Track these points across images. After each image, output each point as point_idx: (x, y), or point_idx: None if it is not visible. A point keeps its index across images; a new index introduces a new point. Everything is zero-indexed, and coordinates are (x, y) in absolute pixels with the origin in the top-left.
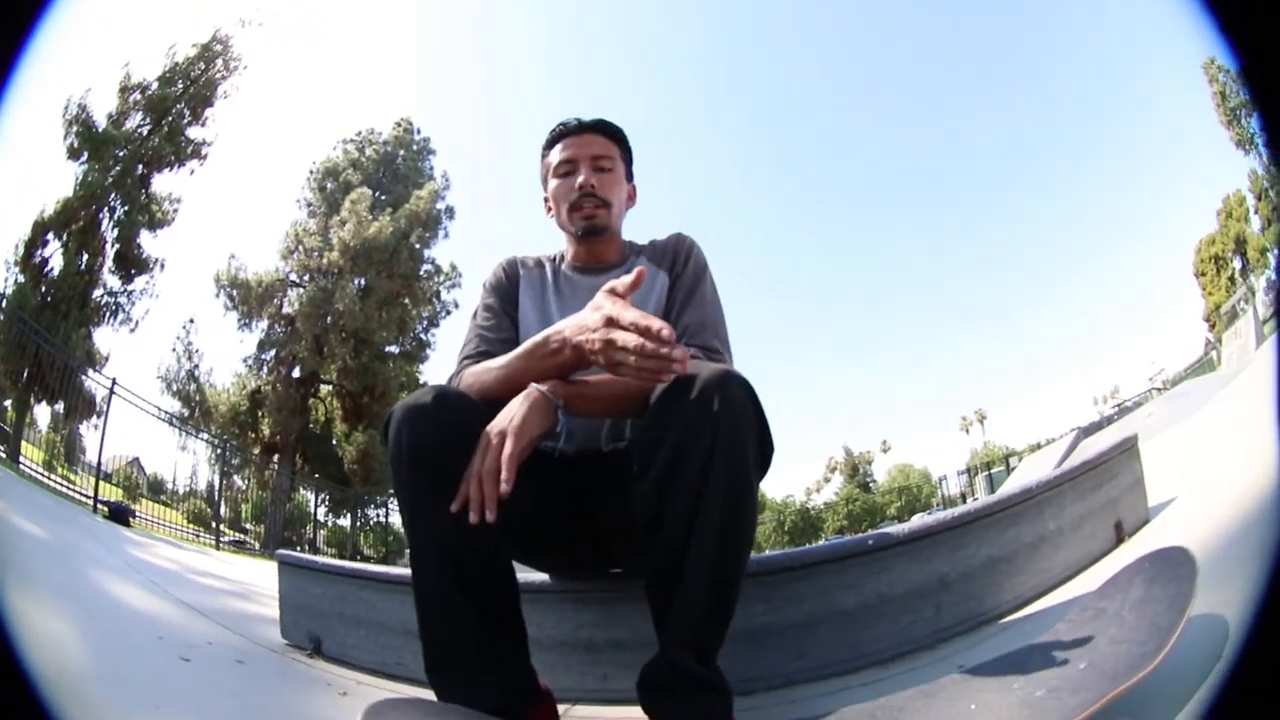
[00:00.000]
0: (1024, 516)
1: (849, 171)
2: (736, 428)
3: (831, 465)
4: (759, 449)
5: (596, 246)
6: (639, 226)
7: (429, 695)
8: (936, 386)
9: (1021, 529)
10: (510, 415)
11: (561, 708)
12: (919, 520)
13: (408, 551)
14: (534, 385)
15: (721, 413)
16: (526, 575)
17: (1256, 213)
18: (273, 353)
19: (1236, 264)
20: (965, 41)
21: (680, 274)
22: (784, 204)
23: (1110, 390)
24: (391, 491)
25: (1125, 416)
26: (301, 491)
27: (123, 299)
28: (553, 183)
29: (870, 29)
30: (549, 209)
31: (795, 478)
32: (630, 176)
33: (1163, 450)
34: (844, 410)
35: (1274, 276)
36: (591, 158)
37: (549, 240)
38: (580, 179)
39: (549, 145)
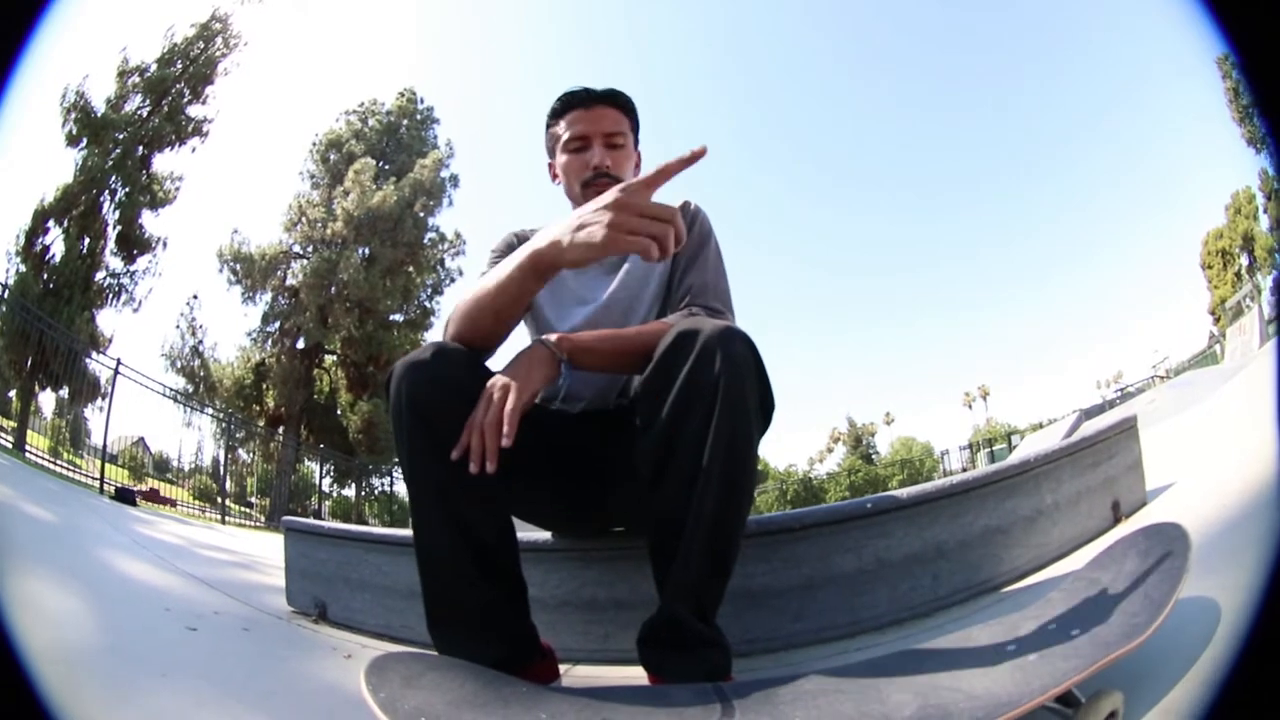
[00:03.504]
0: (1021, 489)
1: (863, 151)
2: (738, 382)
3: (835, 436)
4: (760, 403)
5: None
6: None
7: (432, 654)
8: (941, 361)
9: (1019, 501)
10: (514, 369)
11: (563, 667)
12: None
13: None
14: (538, 339)
15: (724, 367)
16: (529, 534)
17: (1265, 212)
18: (277, 325)
19: (1243, 260)
20: (989, 28)
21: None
22: (796, 178)
23: (1114, 375)
24: (396, 460)
25: (1128, 401)
26: (306, 463)
27: (126, 280)
28: (563, 157)
29: (887, 20)
30: (555, 176)
31: (799, 447)
32: (637, 144)
33: (1165, 437)
34: (848, 381)
35: None
36: (604, 134)
37: (555, 206)
38: (595, 159)
39: (556, 115)
